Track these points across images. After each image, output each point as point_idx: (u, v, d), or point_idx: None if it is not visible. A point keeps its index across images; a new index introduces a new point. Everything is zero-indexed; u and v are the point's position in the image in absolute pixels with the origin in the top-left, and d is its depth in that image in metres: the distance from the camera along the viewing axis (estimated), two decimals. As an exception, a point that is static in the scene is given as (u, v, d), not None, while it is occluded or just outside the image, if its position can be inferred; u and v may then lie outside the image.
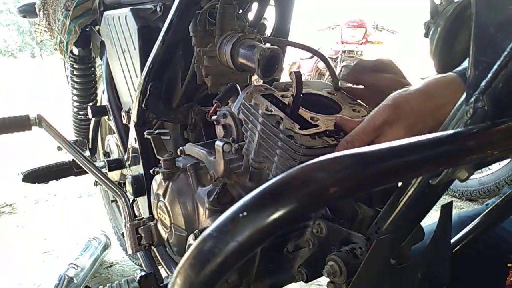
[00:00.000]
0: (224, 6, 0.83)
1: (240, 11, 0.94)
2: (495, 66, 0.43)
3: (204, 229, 0.76)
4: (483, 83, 0.45)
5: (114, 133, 1.45)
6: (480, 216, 0.74)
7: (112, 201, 1.79)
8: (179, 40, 0.91)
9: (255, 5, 0.96)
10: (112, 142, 1.44)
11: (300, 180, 0.30)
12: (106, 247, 1.96)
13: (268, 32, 1.02)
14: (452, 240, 0.73)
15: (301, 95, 0.70)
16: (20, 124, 1.01)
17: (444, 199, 1.70)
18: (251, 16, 0.98)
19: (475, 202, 2.56)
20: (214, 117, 0.83)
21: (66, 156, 1.40)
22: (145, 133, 0.91)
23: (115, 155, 1.43)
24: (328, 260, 0.61)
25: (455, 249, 0.72)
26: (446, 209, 0.61)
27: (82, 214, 2.46)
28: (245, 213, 0.30)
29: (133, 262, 1.93)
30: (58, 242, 2.16)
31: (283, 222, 0.29)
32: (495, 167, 2.42)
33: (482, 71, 0.46)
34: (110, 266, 1.98)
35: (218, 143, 0.75)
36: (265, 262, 0.73)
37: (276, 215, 0.29)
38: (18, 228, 2.36)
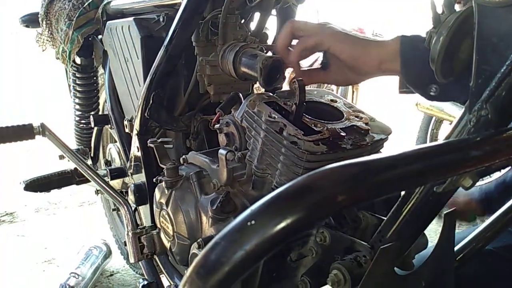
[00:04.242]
0: (227, 16, 0.84)
1: (242, 21, 0.95)
2: (498, 75, 0.44)
3: (208, 237, 0.77)
4: (486, 91, 0.45)
5: (115, 141, 1.46)
6: (484, 224, 0.74)
7: (113, 210, 1.79)
8: (182, 50, 0.92)
9: (257, 15, 0.97)
10: (113, 150, 1.44)
11: (307, 189, 0.30)
12: (107, 256, 1.95)
13: (270, 42, 1.03)
14: (456, 248, 0.73)
15: (304, 103, 0.70)
16: (24, 133, 1.01)
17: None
18: (253, 26, 0.98)
19: (476, 209, 2.55)
20: (217, 126, 0.83)
21: (67, 164, 1.40)
22: (148, 141, 0.91)
23: (116, 163, 1.43)
24: (332, 269, 0.60)
25: (459, 257, 0.72)
26: (450, 217, 0.61)
27: (83, 222, 2.45)
28: (253, 222, 0.30)
29: (134, 271, 1.92)
30: (59, 251, 2.15)
31: (291, 231, 0.29)
32: (496, 174, 2.42)
33: (485, 79, 0.47)
34: (111, 275, 1.97)
35: (221, 152, 0.76)
36: (268, 271, 0.73)
37: (284, 224, 0.29)
38: (19, 237, 2.35)
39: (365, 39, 0.73)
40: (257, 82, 0.82)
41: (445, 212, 0.61)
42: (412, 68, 0.67)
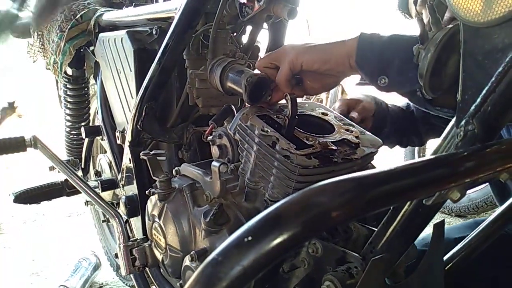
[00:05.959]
0: (217, 31, 0.85)
1: (234, 34, 0.96)
2: (484, 91, 0.45)
3: (201, 250, 0.77)
4: (473, 107, 0.47)
5: (105, 152, 1.45)
6: (473, 233, 0.75)
7: (103, 221, 1.77)
8: (175, 63, 0.93)
9: (248, 29, 0.98)
10: (104, 161, 1.44)
11: (303, 205, 0.31)
12: (96, 267, 1.93)
13: (262, 54, 1.04)
14: (445, 257, 0.74)
15: (296, 117, 0.71)
16: (16, 145, 1.01)
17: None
18: (244, 39, 0.99)
19: (464, 218, 2.58)
20: (210, 138, 0.84)
21: (57, 176, 1.39)
22: (141, 153, 0.91)
23: (106, 174, 1.42)
24: (324, 280, 0.61)
25: (448, 266, 0.73)
26: (438, 228, 0.62)
27: (71, 234, 2.42)
28: (249, 238, 0.30)
29: (123, 283, 1.90)
30: (47, 263, 2.12)
31: (287, 246, 0.30)
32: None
33: (471, 95, 0.48)
34: (101, 287, 1.95)
35: (215, 164, 0.76)
36: (261, 282, 0.74)
37: (280, 239, 0.30)
38: (5, 249, 2.31)
39: (328, 42, 0.74)
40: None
41: (434, 223, 0.62)
42: (366, 60, 0.69)
